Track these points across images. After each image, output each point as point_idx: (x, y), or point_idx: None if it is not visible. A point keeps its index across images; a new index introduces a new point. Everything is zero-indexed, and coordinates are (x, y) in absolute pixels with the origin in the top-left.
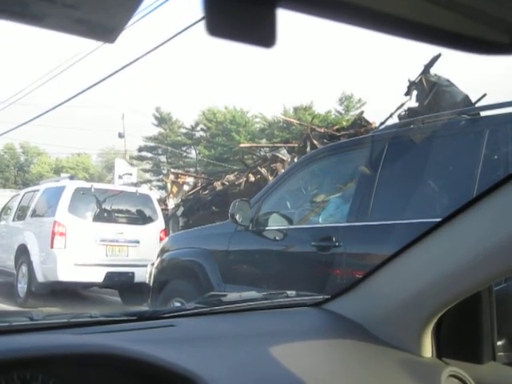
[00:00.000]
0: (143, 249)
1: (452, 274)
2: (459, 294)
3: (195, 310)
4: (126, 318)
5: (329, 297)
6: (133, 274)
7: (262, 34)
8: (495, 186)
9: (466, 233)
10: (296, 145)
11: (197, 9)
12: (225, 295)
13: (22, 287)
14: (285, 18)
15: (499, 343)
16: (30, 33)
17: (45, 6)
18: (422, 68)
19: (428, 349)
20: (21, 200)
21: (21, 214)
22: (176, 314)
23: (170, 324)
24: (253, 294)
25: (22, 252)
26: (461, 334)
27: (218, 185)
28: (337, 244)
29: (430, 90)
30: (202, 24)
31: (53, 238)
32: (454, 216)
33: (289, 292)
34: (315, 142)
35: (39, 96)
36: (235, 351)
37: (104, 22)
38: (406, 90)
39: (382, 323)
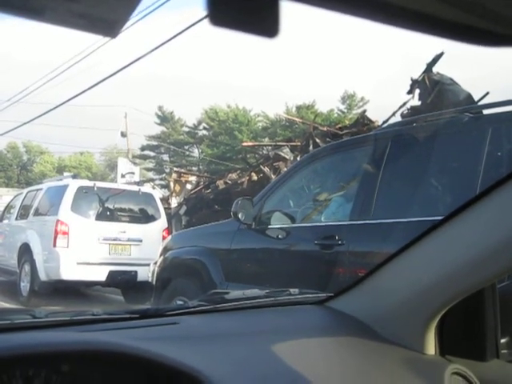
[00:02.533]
0: (146, 247)
1: (455, 271)
2: (462, 292)
3: (198, 308)
4: (128, 316)
5: (332, 295)
6: (135, 272)
7: (265, 25)
8: (498, 184)
9: (470, 230)
10: (299, 143)
11: (199, 2)
12: (228, 293)
13: (24, 286)
14: (287, 16)
15: (503, 341)
16: (32, 31)
17: (46, 0)
18: (424, 66)
19: (431, 346)
20: (23, 199)
21: (23, 212)
22: (179, 311)
23: (173, 322)
24: (256, 291)
25: (25, 251)
26: (464, 331)
27: (220, 183)
28: (340, 242)
29: (432, 88)
30: (205, 14)
31: (55, 237)
32: (456, 213)
33: (292, 290)
34: (318, 140)
35: (42, 95)
36: (238, 349)
37: (105, 16)
38: (408, 88)
39: (385, 321)
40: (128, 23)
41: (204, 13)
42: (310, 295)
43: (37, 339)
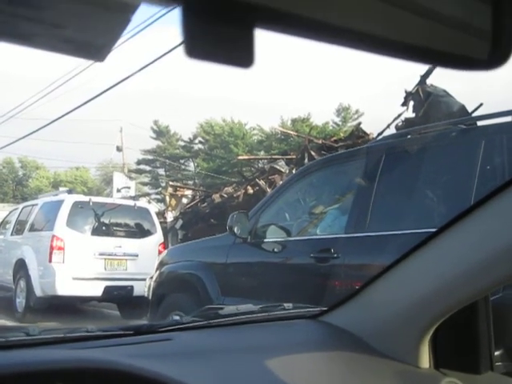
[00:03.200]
0: (142, 262)
1: (449, 283)
2: (456, 304)
3: (192, 324)
4: (122, 333)
5: (326, 309)
6: (131, 287)
7: (241, 55)
8: (491, 195)
9: (463, 242)
10: (294, 156)
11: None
12: (222, 308)
13: (20, 302)
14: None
15: (497, 353)
16: (25, 48)
17: (33, 26)
18: (418, 79)
19: (425, 359)
20: (19, 214)
21: (19, 228)
22: (173, 327)
23: (166, 338)
24: (250, 306)
25: (21, 266)
26: (458, 344)
27: (216, 197)
28: (335, 255)
29: (426, 100)
30: (182, 45)
31: (51, 253)
32: (450, 225)
33: (286, 304)
34: (313, 153)
35: (37, 110)
36: (232, 365)
37: (92, 41)
38: (402, 100)
39: (379, 334)
40: (124, 38)
41: (181, 42)
42: (304, 310)
43: (30, 357)
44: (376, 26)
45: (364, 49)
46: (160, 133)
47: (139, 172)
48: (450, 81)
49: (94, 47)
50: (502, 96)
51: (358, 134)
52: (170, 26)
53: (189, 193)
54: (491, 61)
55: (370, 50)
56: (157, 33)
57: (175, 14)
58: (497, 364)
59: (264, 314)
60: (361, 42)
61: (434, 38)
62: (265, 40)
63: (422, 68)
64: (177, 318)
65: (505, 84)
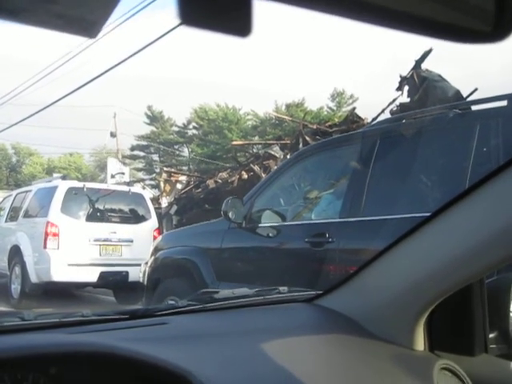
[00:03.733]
0: (137, 248)
1: (444, 266)
2: (451, 287)
3: (187, 308)
4: (118, 317)
5: (321, 292)
6: (127, 273)
7: (238, 24)
8: (485, 179)
9: (458, 225)
10: (288, 142)
11: None
12: (217, 292)
13: (15, 288)
14: (275, 14)
15: (491, 336)
16: (18, 32)
17: (23, 1)
18: (413, 63)
19: (420, 342)
20: (13, 201)
21: (13, 214)
22: (168, 311)
23: (162, 322)
24: (245, 290)
25: (15, 253)
26: (453, 326)
27: (210, 183)
28: (330, 240)
29: (420, 85)
30: (178, 16)
31: (46, 239)
32: (445, 209)
33: (281, 288)
34: (307, 138)
35: (30, 96)
36: (228, 348)
37: (84, 17)
38: (397, 85)
39: (374, 317)
40: (116, 22)
41: (177, 15)
42: (299, 293)
43: (25, 341)
44: None
45: (367, 20)
46: (154, 118)
47: (133, 158)
48: (444, 64)
49: (87, 23)
50: (497, 80)
51: (352, 119)
52: (163, 9)
53: (183, 178)
54: (495, 33)
55: (372, 20)
56: (150, 17)
57: None
58: (491, 346)
59: (259, 297)
60: (364, 12)
61: (438, 10)
62: (260, 24)
63: (418, 52)
64: (172, 303)
65: (500, 68)
